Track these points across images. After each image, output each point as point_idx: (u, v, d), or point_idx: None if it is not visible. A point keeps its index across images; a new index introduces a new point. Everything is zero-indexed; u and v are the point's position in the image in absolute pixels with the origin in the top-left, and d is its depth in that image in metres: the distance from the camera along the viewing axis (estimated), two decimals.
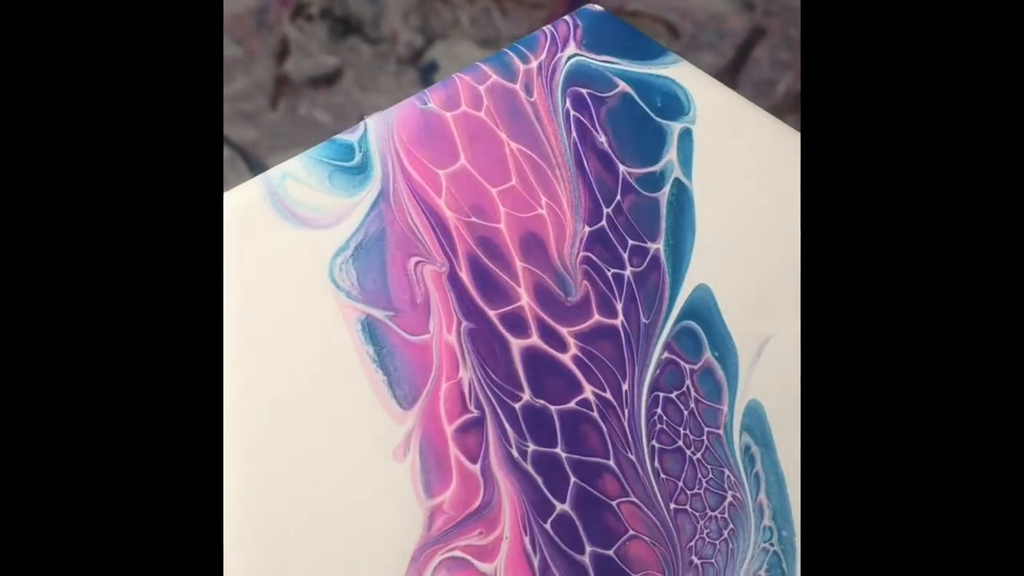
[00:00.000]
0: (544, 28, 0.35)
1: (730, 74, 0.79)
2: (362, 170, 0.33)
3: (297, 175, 0.32)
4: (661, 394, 0.33)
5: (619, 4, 0.82)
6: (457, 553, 0.31)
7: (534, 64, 0.35)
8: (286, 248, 0.32)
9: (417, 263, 0.33)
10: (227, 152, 0.77)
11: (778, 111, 0.79)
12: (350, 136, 0.33)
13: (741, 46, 0.80)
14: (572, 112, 0.34)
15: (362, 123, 0.33)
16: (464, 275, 0.33)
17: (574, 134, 0.34)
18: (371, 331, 0.32)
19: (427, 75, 0.79)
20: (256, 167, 0.77)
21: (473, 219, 0.33)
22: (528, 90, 0.34)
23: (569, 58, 0.35)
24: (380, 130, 0.33)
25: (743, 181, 0.35)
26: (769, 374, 0.34)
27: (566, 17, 0.36)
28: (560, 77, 0.35)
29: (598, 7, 0.36)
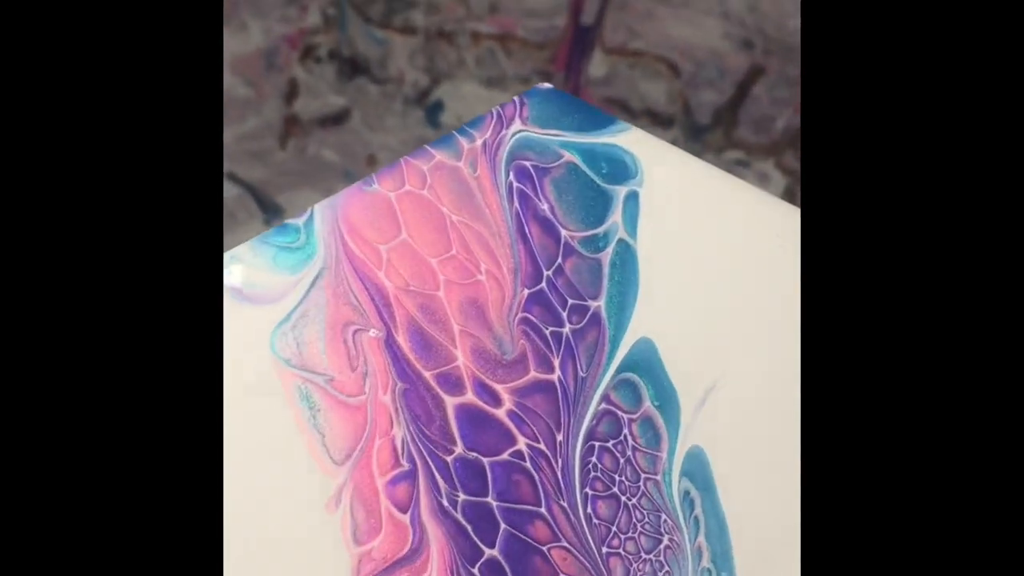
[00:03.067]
0: (493, 109, 0.40)
1: (730, 111, 0.83)
2: (305, 249, 0.37)
3: (243, 258, 0.37)
4: (596, 443, 0.36)
5: (621, 43, 0.86)
6: None
7: (479, 142, 0.39)
8: (230, 321, 0.35)
9: (356, 331, 0.37)
10: (237, 190, 0.80)
11: (777, 147, 0.82)
12: (297, 220, 0.38)
13: (741, 84, 0.83)
14: (515, 184, 0.39)
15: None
16: (401, 339, 0.37)
17: (516, 204, 0.39)
18: (308, 395, 0.36)
19: (433, 114, 0.83)
20: (266, 206, 0.80)
21: (412, 288, 0.36)
22: (472, 166, 0.39)
23: (514, 134, 0.39)
24: (325, 213, 0.38)
25: (688, 235, 0.38)
26: (713, 420, 0.37)
27: (515, 97, 0.40)
28: (504, 152, 0.39)
29: (548, 85, 0.40)
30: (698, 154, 0.82)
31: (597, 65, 0.84)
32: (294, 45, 0.84)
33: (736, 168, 0.81)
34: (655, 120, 0.81)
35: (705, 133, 0.81)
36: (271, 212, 0.79)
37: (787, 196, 0.80)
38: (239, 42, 0.85)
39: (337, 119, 0.81)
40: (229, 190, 0.79)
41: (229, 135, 0.80)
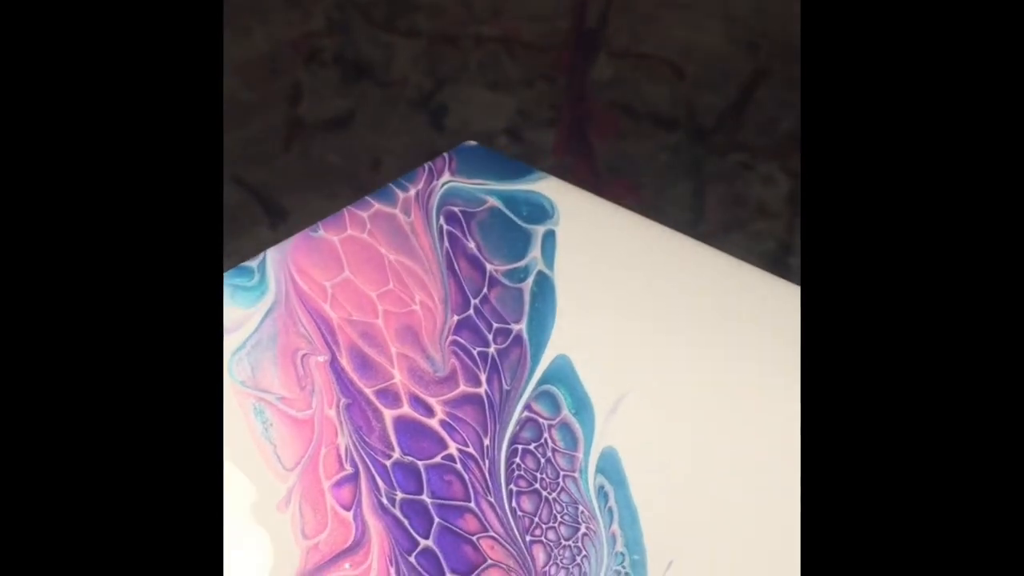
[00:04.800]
0: (426, 164, 0.47)
1: (733, 114, 0.85)
2: (259, 288, 0.44)
3: None
4: (520, 446, 0.42)
5: (625, 47, 0.89)
6: None
7: (412, 192, 0.46)
8: None
9: (304, 355, 0.43)
10: (242, 194, 0.83)
11: (781, 149, 0.84)
12: (251, 263, 0.45)
13: (745, 86, 0.87)
14: (445, 227, 0.46)
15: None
16: (344, 361, 0.43)
17: (446, 243, 0.45)
18: (261, 412, 0.42)
19: (437, 118, 0.86)
20: (270, 209, 0.83)
21: (354, 317, 0.44)
22: (407, 212, 0.46)
23: (444, 184, 0.47)
24: (276, 257, 0.45)
25: (598, 266, 0.46)
26: (624, 424, 0.43)
27: (444, 154, 0.47)
28: (435, 200, 0.46)
29: (473, 143, 0.47)
30: (702, 157, 0.87)
31: (601, 68, 0.87)
32: (298, 49, 0.88)
33: (741, 171, 0.82)
34: (659, 123, 0.84)
35: (709, 136, 0.83)
36: (275, 216, 0.81)
37: (791, 199, 0.81)
38: (243, 46, 0.88)
39: (341, 122, 0.85)
40: (233, 194, 0.81)
41: (233, 139, 0.82)
